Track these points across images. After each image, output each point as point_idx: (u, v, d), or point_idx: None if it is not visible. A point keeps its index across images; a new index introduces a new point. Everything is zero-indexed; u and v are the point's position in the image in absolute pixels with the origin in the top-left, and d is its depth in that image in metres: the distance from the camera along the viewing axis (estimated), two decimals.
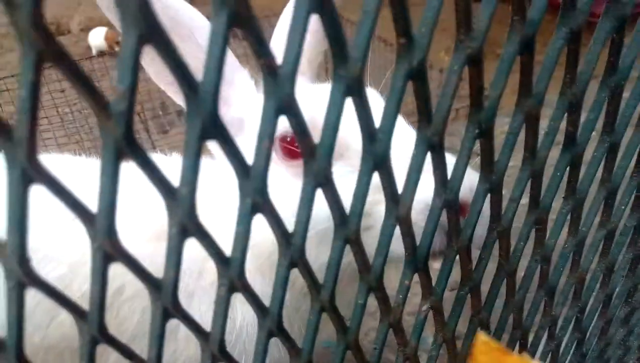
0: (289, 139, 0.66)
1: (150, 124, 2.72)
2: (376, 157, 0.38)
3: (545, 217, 0.54)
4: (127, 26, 0.25)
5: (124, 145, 0.27)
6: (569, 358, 0.81)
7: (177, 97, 0.72)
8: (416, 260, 0.48)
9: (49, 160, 0.85)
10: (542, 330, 0.71)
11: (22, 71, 0.24)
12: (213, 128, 0.29)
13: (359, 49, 0.32)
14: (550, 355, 0.77)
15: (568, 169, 0.52)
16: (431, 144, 0.40)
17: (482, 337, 0.52)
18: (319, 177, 0.36)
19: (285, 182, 0.63)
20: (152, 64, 0.67)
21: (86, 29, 3.77)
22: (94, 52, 3.43)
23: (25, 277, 0.28)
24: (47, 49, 0.23)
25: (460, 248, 0.50)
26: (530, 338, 0.72)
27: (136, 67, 0.26)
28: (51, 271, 0.65)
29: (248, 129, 0.73)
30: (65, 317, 0.68)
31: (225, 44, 0.27)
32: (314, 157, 0.35)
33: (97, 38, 3.45)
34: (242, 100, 0.73)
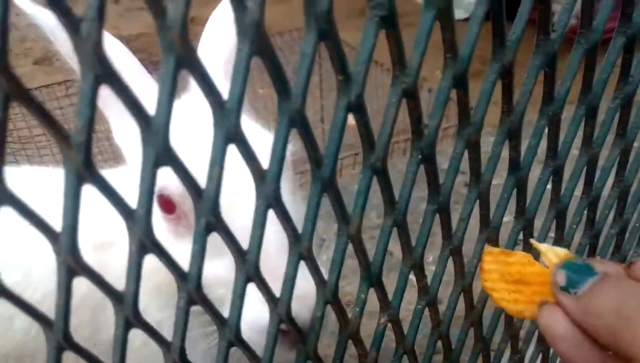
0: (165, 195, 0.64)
1: None
2: (323, 179, 0.42)
3: (496, 236, 0.58)
4: (85, 68, 0.29)
5: (84, 171, 0.31)
6: None
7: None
8: (370, 276, 0.51)
9: (16, 172, 0.88)
10: (503, 344, 0.75)
11: None
12: (167, 157, 0.33)
13: (300, 86, 0.36)
14: None
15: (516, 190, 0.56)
16: (375, 169, 0.43)
17: (487, 248, 0.53)
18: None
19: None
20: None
21: None
22: None
23: None
24: (14, 90, 0.27)
25: (413, 265, 0.53)
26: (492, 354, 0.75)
27: (93, 103, 0.30)
28: (5, 278, 0.68)
29: None
30: (19, 326, 0.73)
31: (174, 83, 0.31)
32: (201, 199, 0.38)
33: None
34: None
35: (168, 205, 0.64)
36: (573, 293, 0.42)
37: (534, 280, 0.48)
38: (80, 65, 0.29)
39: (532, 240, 0.51)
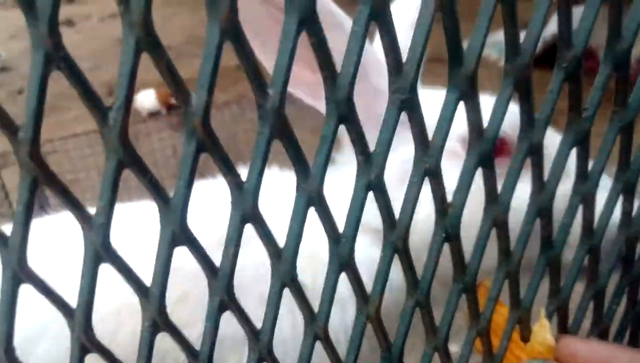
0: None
1: None
2: (342, 258, 0.43)
3: (528, 317, 0.58)
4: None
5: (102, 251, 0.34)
6: None
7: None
8: (391, 357, 0.52)
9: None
10: None
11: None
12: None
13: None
14: None
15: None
16: (396, 248, 0.45)
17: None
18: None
19: None
20: None
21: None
22: (143, 114, 3.63)
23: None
24: None
25: (437, 347, 0.54)
26: None
27: (115, 187, 0.32)
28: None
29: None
30: None
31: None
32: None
33: (148, 99, 3.67)
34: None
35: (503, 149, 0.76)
36: None
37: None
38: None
39: (542, 311, 0.59)
